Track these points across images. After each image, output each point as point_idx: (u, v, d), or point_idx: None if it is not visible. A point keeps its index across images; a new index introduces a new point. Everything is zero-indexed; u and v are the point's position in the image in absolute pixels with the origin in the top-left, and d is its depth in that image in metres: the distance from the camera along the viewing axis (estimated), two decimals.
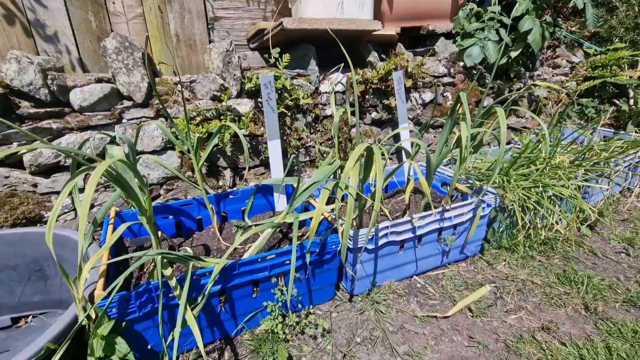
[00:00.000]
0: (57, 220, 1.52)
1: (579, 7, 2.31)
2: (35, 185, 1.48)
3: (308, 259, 1.22)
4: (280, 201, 1.72)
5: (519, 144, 2.28)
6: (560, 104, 2.73)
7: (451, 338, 1.29)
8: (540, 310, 1.42)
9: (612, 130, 2.64)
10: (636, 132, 2.48)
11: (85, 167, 0.90)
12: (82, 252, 0.89)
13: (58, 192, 1.51)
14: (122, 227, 1.11)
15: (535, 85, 2.00)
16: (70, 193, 1.41)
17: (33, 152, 1.44)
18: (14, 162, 1.47)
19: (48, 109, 1.47)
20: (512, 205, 1.67)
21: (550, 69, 2.73)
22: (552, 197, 1.74)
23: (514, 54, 2.23)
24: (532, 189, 1.70)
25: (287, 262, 1.23)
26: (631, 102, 2.77)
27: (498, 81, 2.48)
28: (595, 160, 1.90)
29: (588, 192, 2.09)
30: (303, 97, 1.84)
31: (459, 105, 1.32)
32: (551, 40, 2.82)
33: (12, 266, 1.32)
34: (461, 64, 2.35)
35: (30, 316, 1.38)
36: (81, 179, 1.54)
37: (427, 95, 2.24)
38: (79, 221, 1.13)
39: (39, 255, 1.33)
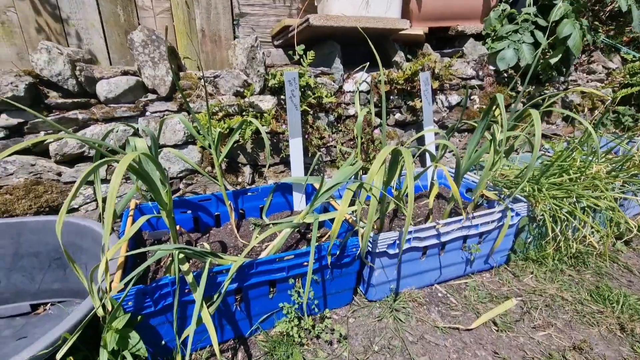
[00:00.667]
0: (77, 210, 1.54)
1: (622, 10, 2.18)
2: (59, 174, 1.50)
3: (329, 261, 1.18)
4: (299, 201, 1.69)
5: (549, 152, 2.17)
6: (595, 112, 2.59)
7: (475, 352, 1.22)
8: (571, 329, 1.33)
9: None
10: None
11: (108, 158, 0.89)
12: (106, 244, 0.88)
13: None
14: (142, 220, 1.10)
15: (572, 91, 1.89)
16: (93, 183, 1.42)
17: (59, 142, 1.45)
18: (41, 150, 1.49)
19: (75, 100, 1.49)
20: (542, 215, 1.58)
21: (584, 74, 2.60)
22: (586, 209, 1.64)
23: (553, 60, 2.13)
24: (565, 199, 1.61)
25: (305, 263, 1.19)
26: None
27: (529, 86, 2.38)
28: (633, 172, 1.78)
29: (623, 205, 1.97)
30: (326, 96, 1.81)
31: (494, 108, 1.25)
32: (588, 45, 2.68)
33: (34, 253, 1.34)
34: (491, 67, 2.26)
35: (49, 304, 1.40)
36: (103, 170, 1.55)
37: (454, 98, 2.17)
38: (99, 211, 1.13)
39: (59, 244, 1.34)
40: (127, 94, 1.56)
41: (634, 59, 2.75)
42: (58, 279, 1.37)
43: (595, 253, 1.73)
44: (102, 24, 1.86)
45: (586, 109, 2.57)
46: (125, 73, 1.58)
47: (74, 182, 1.52)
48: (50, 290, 1.38)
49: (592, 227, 1.64)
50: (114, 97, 1.53)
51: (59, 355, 0.82)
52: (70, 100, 1.48)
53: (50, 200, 1.46)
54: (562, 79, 2.45)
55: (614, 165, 1.81)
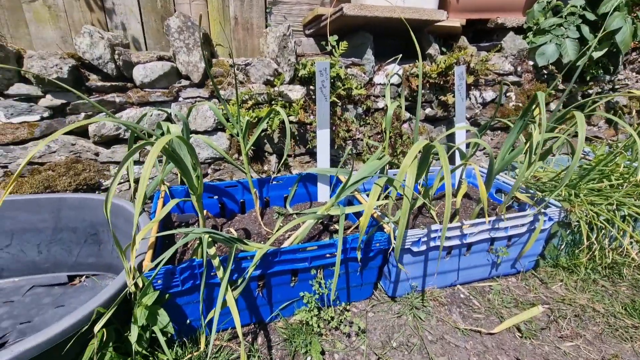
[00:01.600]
0: None
1: None
2: (97, 154, 1.57)
3: (359, 256, 1.18)
4: (323, 192, 1.69)
5: (589, 155, 2.05)
6: None
7: (496, 357, 1.20)
8: (602, 342, 1.27)
9: None
10: None
11: (145, 141, 0.91)
12: (136, 223, 0.92)
13: (116, 162, 1.59)
14: (172, 203, 1.14)
15: (615, 95, 1.78)
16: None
17: (97, 123, 1.52)
18: (80, 131, 1.56)
19: (113, 83, 1.54)
20: (578, 221, 1.50)
21: (634, 73, 2.42)
22: (627, 217, 1.54)
23: (596, 55, 1.99)
24: (604, 206, 1.52)
25: (327, 255, 1.20)
26: None
27: (571, 84, 2.24)
28: None
29: None
30: (356, 88, 1.78)
31: (534, 106, 1.19)
32: (639, 42, 2.49)
33: (73, 228, 1.41)
34: (530, 62, 2.15)
35: (84, 276, 1.48)
36: (136, 152, 1.61)
37: (489, 94, 2.08)
38: (132, 191, 1.18)
39: (96, 221, 1.41)
40: (162, 79, 1.60)
41: None
42: (93, 253, 1.45)
43: (633, 265, 1.63)
44: (139, 9, 1.90)
45: (634, 111, 2.40)
46: (160, 58, 1.61)
47: (110, 162, 1.59)
48: (86, 263, 1.46)
49: (631, 237, 1.55)
50: (149, 81, 1.57)
51: (96, 328, 0.87)
52: (108, 84, 1.53)
53: (88, 178, 1.53)
54: (608, 77, 2.29)
55: None
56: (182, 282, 1.07)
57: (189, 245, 1.36)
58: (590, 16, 2.01)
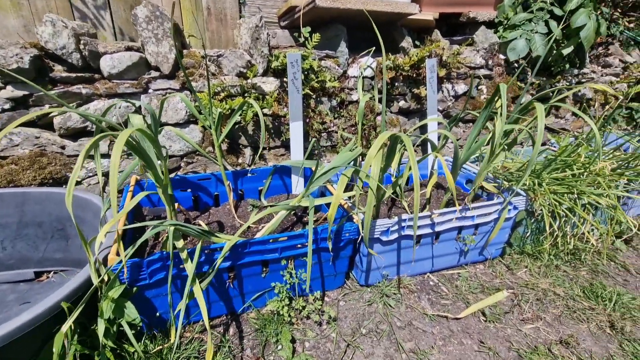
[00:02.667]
0: (80, 184, 1.57)
1: None
2: (63, 147, 1.53)
3: (330, 245, 1.20)
4: (297, 184, 1.70)
5: (555, 146, 2.13)
6: (607, 107, 2.52)
7: (461, 341, 1.25)
8: (560, 323, 1.34)
9: None
10: None
11: (105, 133, 0.90)
12: (103, 215, 0.91)
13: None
14: (140, 195, 1.12)
15: (580, 87, 1.85)
16: (94, 158, 1.44)
17: (62, 116, 1.48)
18: (45, 123, 1.51)
19: (79, 74, 1.50)
20: (541, 210, 1.57)
21: (600, 67, 2.52)
22: (587, 206, 1.62)
23: (565, 51, 2.06)
24: (565, 195, 1.59)
25: (299, 245, 1.21)
26: None
27: (540, 77, 2.32)
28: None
29: (627, 204, 1.94)
30: (330, 80, 1.79)
31: (496, 98, 1.23)
32: (604, 37, 2.59)
33: (38, 223, 1.38)
34: (501, 56, 2.20)
35: (52, 272, 1.45)
36: (105, 145, 1.58)
37: (461, 87, 2.13)
38: (101, 185, 1.16)
39: (62, 215, 1.38)
40: (131, 70, 1.56)
41: None
42: (60, 248, 1.42)
43: (592, 250, 1.72)
44: None
45: (597, 103, 2.50)
46: (129, 49, 1.58)
47: (77, 155, 1.55)
48: (53, 259, 1.43)
49: (592, 225, 1.63)
50: (117, 72, 1.54)
51: (65, 327, 0.86)
52: (74, 75, 1.49)
53: (54, 172, 1.49)
54: (575, 71, 2.38)
55: (620, 162, 1.77)
56: (150, 275, 1.07)
57: (160, 239, 1.35)
58: (558, 11, 2.07)
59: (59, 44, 1.43)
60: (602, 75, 2.50)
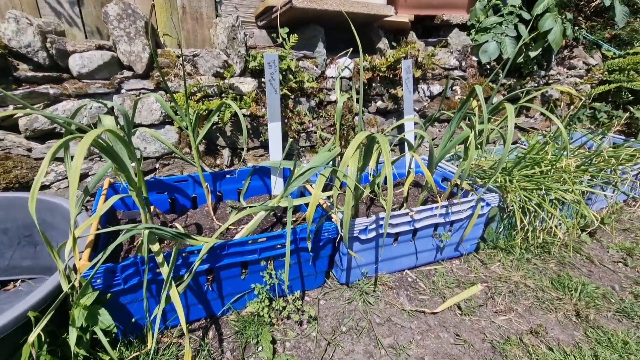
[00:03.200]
0: (49, 187, 1.51)
1: (605, 4, 2.21)
2: (29, 150, 1.46)
3: (309, 245, 1.20)
4: (277, 185, 1.70)
5: (525, 145, 2.22)
6: (572, 107, 2.66)
7: (437, 334, 1.28)
8: (531, 314, 1.40)
9: (623, 138, 2.58)
10: None
11: (74, 135, 0.87)
12: (73, 220, 0.88)
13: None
14: (114, 199, 1.10)
15: (547, 88, 1.93)
16: (64, 161, 1.39)
17: (29, 117, 1.41)
18: (10, 125, 1.44)
19: (46, 74, 1.44)
20: (513, 205, 1.64)
21: (565, 69, 2.64)
22: (554, 201, 1.70)
23: (533, 54, 2.15)
24: (535, 191, 1.67)
25: (278, 246, 1.21)
26: None
27: (510, 79, 2.41)
28: (602, 167, 1.85)
29: (591, 199, 2.05)
30: (308, 80, 1.79)
31: (472, 98, 1.27)
32: (569, 40, 2.72)
33: (3, 230, 1.31)
34: (474, 58, 2.28)
35: (19, 280, 1.38)
36: (75, 147, 1.52)
37: (436, 88, 2.18)
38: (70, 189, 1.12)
39: (30, 221, 1.32)
40: (102, 70, 1.51)
41: (614, 56, 2.81)
42: (28, 255, 1.36)
43: (560, 244, 1.80)
44: None
45: (563, 104, 2.63)
46: (100, 47, 1.53)
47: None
48: (21, 267, 1.37)
49: (559, 219, 1.71)
50: (87, 72, 1.49)
51: (31, 337, 0.83)
52: (41, 74, 1.43)
53: (20, 175, 1.43)
54: (543, 73, 2.49)
55: (584, 159, 1.87)
56: (125, 280, 1.04)
57: (135, 243, 1.32)
58: (527, 16, 2.16)
59: (23, 42, 1.36)
60: (567, 77, 2.63)
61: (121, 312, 1.10)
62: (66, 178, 1.54)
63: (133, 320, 1.13)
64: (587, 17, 2.86)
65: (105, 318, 1.01)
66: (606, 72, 2.71)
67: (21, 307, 0.84)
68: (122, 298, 1.08)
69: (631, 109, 2.78)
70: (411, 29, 2.24)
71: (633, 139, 2.41)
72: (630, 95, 2.74)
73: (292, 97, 1.81)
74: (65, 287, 0.93)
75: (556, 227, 1.70)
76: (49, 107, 1.45)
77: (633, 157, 1.89)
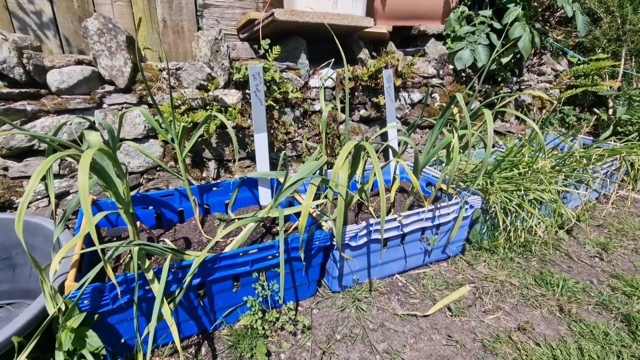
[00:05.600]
0: (28, 207, 1.46)
1: (568, 15, 2.36)
2: (6, 169, 1.41)
3: (302, 255, 1.20)
4: (265, 195, 1.70)
5: (503, 148, 2.32)
6: (544, 111, 2.79)
7: (430, 337, 1.30)
8: (517, 311, 1.45)
9: (591, 138, 2.73)
10: (614, 141, 2.56)
11: (60, 153, 0.85)
12: (55, 239, 0.85)
13: (30, 177, 1.44)
14: (99, 216, 1.07)
15: (520, 94, 2.03)
16: (45, 179, 1.34)
17: (5, 135, 1.36)
18: None
19: (23, 90, 1.40)
20: (494, 207, 1.70)
21: (535, 75, 2.78)
22: (533, 201, 1.77)
23: (504, 60, 2.26)
24: (514, 192, 1.74)
25: (270, 257, 1.21)
26: (610, 111, 2.86)
27: (485, 85, 2.52)
28: (574, 167, 1.95)
29: (566, 198, 2.15)
30: (292, 91, 1.82)
31: (453, 105, 1.32)
32: (537, 48, 2.87)
33: None
34: (450, 66, 2.37)
35: None
36: (55, 165, 1.48)
37: (416, 95, 2.25)
38: (52, 208, 1.09)
39: (7, 243, 1.27)
40: (82, 85, 1.48)
41: (579, 62, 2.98)
42: (6, 279, 1.30)
43: (540, 242, 1.88)
44: (52, 9, 1.75)
45: (535, 108, 2.76)
46: (79, 62, 1.50)
47: (23, 177, 1.44)
48: None
49: (538, 218, 1.78)
50: (67, 87, 1.45)
51: None
52: (17, 90, 1.38)
53: None
54: (515, 79, 2.61)
55: (557, 160, 1.97)
56: (113, 300, 1.01)
57: (121, 261, 1.28)
58: (497, 25, 2.27)
59: None
60: (537, 83, 2.77)
61: (110, 332, 1.07)
62: (45, 197, 1.49)
63: (122, 340, 1.10)
64: (552, 27, 3.03)
65: (93, 340, 0.98)
66: (572, 78, 2.88)
67: (5, 333, 0.81)
68: (111, 318, 1.05)
69: (597, 111, 2.95)
70: (390, 39, 2.31)
71: (600, 139, 2.55)
72: (595, 99, 2.91)
73: (277, 107, 1.82)
74: (52, 310, 0.89)
75: (536, 226, 1.77)
76: (26, 124, 1.40)
77: (602, 157, 2.00)
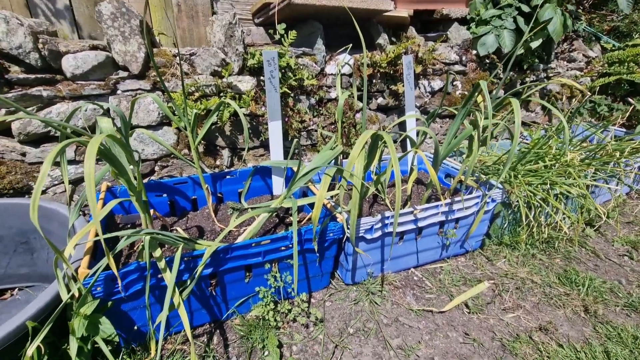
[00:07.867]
0: (45, 193, 1.47)
1: None
2: (24, 155, 1.42)
3: (316, 246, 1.18)
4: (278, 185, 1.67)
5: (527, 139, 2.20)
6: (574, 100, 2.64)
7: (446, 334, 1.26)
8: (539, 310, 1.39)
9: (624, 130, 2.57)
10: None
11: (70, 140, 0.83)
12: (70, 225, 0.84)
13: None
14: (112, 203, 1.06)
15: (549, 83, 1.91)
16: (59, 165, 1.35)
17: (22, 121, 1.37)
18: (3, 129, 1.40)
19: (39, 75, 1.40)
20: (517, 201, 1.62)
21: (565, 62, 2.62)
22: (559, 195, 1.68)
23: (534, 45, 2.13)
24: (539, 186, 1.65)
25: (282, 248, 1.19)
26: None
27: (510, 72, 2.39)
28: (605, 160, 1.83)
29: (594, 192, 2.03)
30: (308, 78, 1.76)
31: (476, 94, 1.24)
32: (569, 33, 2.70)
33: None
34: (474, 52, 2.25)
35: (17, 288, 1.35)
36: (71, 151, 1.48)
37: (437, 83, 2.16)
38: (67, 194, 1.09)
39: (26, 228, 1.29)
40: (97, 71, 1.47)
41: (613, 48, 2.79)
42: (25, 263, 1.32)
43: (565, 238, 1.79)
44: None
45: (564, 97, 2.61)
46: (94, 48, 1.49)
47: (40, 162, 1.45)
48: (17, 275, 1.33)
49: (563, 214, 1.69)
50: (81, 73, 1.44)
51: (30, 351, 0.80)
52: (33, 76, 1.38)
53: (14, 181, 1.39)
54: (542, 66, 2.47)
55: (587, 153, 1.86)
56: (126, 288, 1.01)
57: (135, 248, 1.28)
58: (525, 8, 2.14)
59: (14, 43, 1.32)
60: (567, 70, 2.61)
61: (123, 319, 1.07)
62: (62, 183, 1.50)
63: (135, 327, 1.10)
64: (585, 10, 2.84)
65: (106, 327, 0.98)
66: (606, 65, 2.70)
67: (20, 318, 0.81)
68: (124, 305, 1.05)
69: (631, 100, 2.77)
70: (410, 23, 2.21)
71: (634, 131, 2.39)
72: (630, 87, 2.73)
73: (292, 95, 1.78)
74: (65, 297, 0.89)
75: (561, 221, 1.68)
76: (42, 110, 1.41)
77: (637, 150, 1.88)
